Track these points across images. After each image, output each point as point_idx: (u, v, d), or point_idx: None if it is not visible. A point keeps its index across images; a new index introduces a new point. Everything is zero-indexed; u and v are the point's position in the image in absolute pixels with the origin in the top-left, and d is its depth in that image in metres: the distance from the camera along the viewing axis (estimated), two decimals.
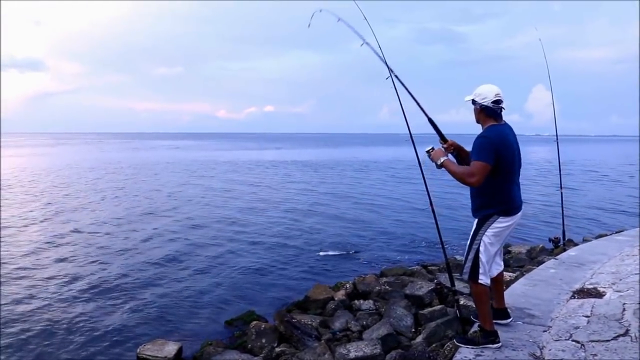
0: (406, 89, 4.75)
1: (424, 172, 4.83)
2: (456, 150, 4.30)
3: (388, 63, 5.07)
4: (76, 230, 14.16)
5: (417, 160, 4.83)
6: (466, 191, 4.26)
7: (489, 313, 4.13)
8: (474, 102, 4.07)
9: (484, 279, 3.99)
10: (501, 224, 3.96)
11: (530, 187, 24.19)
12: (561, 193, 10.09)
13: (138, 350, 6.21)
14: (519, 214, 4.08)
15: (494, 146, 3.82)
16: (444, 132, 4.43)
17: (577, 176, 32.90)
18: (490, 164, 3.78)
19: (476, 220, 4.08)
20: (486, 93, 3.98)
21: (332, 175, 33.50)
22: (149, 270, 10.30)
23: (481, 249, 3.97)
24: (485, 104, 3.97)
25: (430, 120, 4.49)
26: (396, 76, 4.83)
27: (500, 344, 4.06)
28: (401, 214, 17.24)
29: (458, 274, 8.29)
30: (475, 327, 4.41)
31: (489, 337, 4.07)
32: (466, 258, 4.08)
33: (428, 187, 4.82)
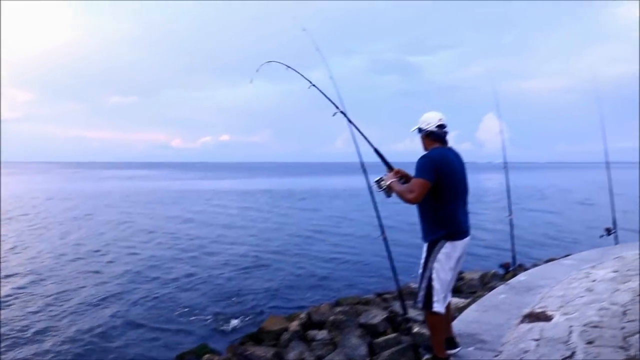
0: (352, 123, 4.83)
1: (376, 201, 4.88)
2: (403, 177, 4.35)
3: (341, 94, 5.18)
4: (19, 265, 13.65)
5: (368, 189, 4.88)
6: (416, 218, 4.31)
7: (442, 341, 4.14)
8: (420, 130, 4.17)
9: (438, 307, 3.97)
10: (448, 249, 3.98)
11: (482, 213, 24.71)
12: (510, 219, 10.31)
13: None
14: (467, 239, 4.10)
15: (434, 165, 3.88)
16: (400, 160, 4.52)
17: (526, 202, 33.77)
18: (430, 180, 3.83)
19: (425, 246, 4.10)
20: (430, 119, 4.11)
21: (287, 204, 33.43)
22: (99, 302, 9.98)
23: (433, 276, 3.97)
24: (430, 129, 4.09)
25: (376, 151, 4.56)
26: (342, 112, 4.92)
27: None
28: (355, 243, 17.28)
29: (412, 302, 8.36)
30: (427, 355, 4.42)
31: None
32: (419, 287, 4.06)
33: (380, 215, 4.86)
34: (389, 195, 4.13)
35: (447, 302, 4.25)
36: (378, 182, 4.18)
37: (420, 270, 4.07)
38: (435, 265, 3.97)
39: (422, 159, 3.96)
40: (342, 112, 4.86)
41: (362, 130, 4.92)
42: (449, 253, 3.98)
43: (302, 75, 5.50)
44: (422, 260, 4.08)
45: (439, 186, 3.91)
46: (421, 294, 4.03)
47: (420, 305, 4.06)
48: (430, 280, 3.98)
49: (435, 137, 4.10)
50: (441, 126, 4.09)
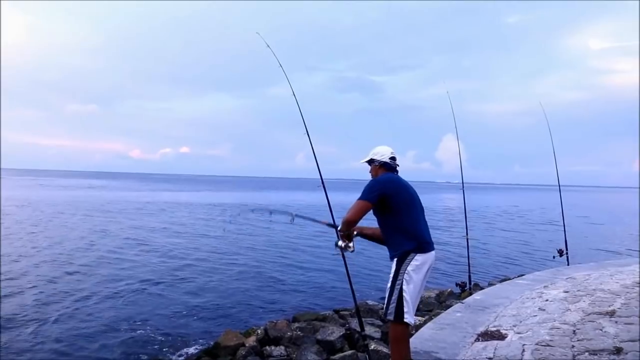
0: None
1: (334, 217, 4.91)
2: (361, 232, 4.51)
3: (303, 110, 5.25)
4: None
5: (328, 206, 4.92)
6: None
7: (402, 357, 4.16)
8: (372, 161, 4.47)
9: (408, 318, 4.00)
10: (417, 261, 4.05)
11: (440, 233, 25.04)
12: (467, 239, 10.49)
13: None
14: (433, 252, 4.21)
15: (380, 186, 4.15)
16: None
17: (482, 222, 34.46)
18: (370, 202, 4.08)
19: (395, 261, 4.13)
20: (384, 151, 4.45)
21: (245, 220, 33.17)
22: (48, 317, 9.67)
23: (404, 287, 4.00)
24: (384, 160, 4.42)
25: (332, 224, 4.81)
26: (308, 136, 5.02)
27: None
28: (313, 260, 17.23)
29: (369, 318, 8.38)
30: None
31: None
32: (389, 299, 4.06)
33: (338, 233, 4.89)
34: (348, 249, 4.37)
35: (414, 317, 4.29)
36: (337, 244, 4.42)
37: (389, 284, 4.08)
38: (405, 277, 4.02)
39: (371, 182, 4.26)
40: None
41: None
42: (419, 265, 4.06)
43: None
44: (392, 274, 4.10)
45: (395, 203, 4.13)
46: (392, 305, 4.02)
47: (391, 317, 4.04)
48: (401, 291, 4.00)
49: (388, 168, 4.41)
50: (393, 158, 4.44)
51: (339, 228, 4.31)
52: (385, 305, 4.13)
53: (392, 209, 4.13)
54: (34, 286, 12.15)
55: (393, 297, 4.04)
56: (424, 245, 4.13)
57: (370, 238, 4.57)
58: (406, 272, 4.03)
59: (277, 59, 5.83)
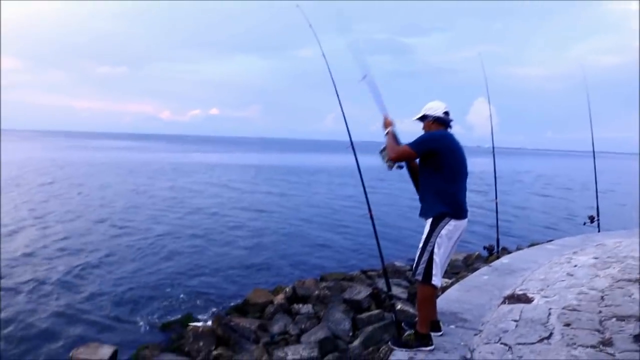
0: (375, 93, 4.78)
1: (364, 180, 4.93)
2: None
3: (331, 72, 5.21)
4: (20, 228, 13.60)
5: (357, 168, 4.93)
6: (405, 200, 4.40)
7: (429, 318, 4.23)
8: (425, 117, 4.33)
9: (436, 280, 4.07)
10: (451, 226, 4.07)
11: (468, 196, 24.88)
12: (496, 203, 10.41)
13: (71, 354, 6.01)
14: (466, 221, 4.21)
15: (433, 142, 4.09)
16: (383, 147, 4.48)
17: (512, 187, 34.09)
18: (416, 152, 4.08)
19: (429, 221, 4.12)
20: (437, 106, 4.31)
21: (276, 181, 33.43)
22: (84, 272, 10.01)
23: (435, 250, 4.04)
24: (437, 114, 4.27)
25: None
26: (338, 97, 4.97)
27: (433, 346, 4.17)
28: (342, 221, 17.37)
29: (396, 279, 8.47)
30: (409, 331, 4.51)
31: (422, 340, 4.17)
32: (419, 260, 4.10)
33: (367, 194, 4.91)
34: (390, 167, 4.25)
35: (441, 280, 4.34)
36: (382, 151, 4.31)
37: (421, 244, 4.10)
38: (438, 240, 4.05)
39: (426, 134, 4.23)
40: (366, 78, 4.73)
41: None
42: (452, 231, 4.08)
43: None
44: (424, 235, 4.11)
45: (444, 163, 4.08)
46: (421, 266, 4.06)
47: (419, 277, 4.09)
48: (431, 254, 4.04)
49: (441, 122, 4.28)
50: (447, 113, 4.30)
51: (388, 145, 4.22)
52: (414, 265, 4.17)
53: (440, 167, 4.08)
54: (91, 242, 12.62)
55: (423, 258, 4.07)
56: (460, 212, 4.14)
57: (412, 173, 4.47)
58: (439, 235, 4.06)
59: (307, 19, 5.77)
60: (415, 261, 4.16)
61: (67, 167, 36.60)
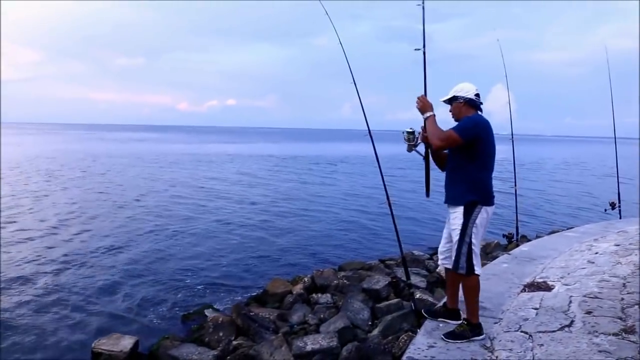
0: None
1: (382, 168, 4.92)
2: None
3: (348, 60, 5.18)
4: (41, 220, 13.82)
5: (375, 156, 4.92)
6: (424, 189, 4.37)
7: (478, 307, 4.18)
8: (455, 98, 4.19)
9: (478, 270, 4.06)
10: (484, 214, 4.03)
11: None
12: (515, 190, 10.36)
13: (93, 345, 6.08)
14: (494, 207, 4.16)
15: (477, 129, 3.97)
16: (409, 128, 4.40)
17: (532, 174, 33.77)
18: (463, 139, 3.92)
19: (460, 209, 4.05)
20: (468, 88, 4.19)
21: (293, 170, 33.48)
22: (104, 264, 10.12)
23: (473, 240, 4.00)
24: (469, 96, 4.15)
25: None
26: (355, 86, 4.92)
27: (484, 335, 4.15)
28: (360, 210, 17.34)
29: (415, 268, 8.45)
30: (452, 322, 4.41)
31: (475, 329, 4.14)
32: (459, 252, 4.04)
33: (385, 183, 4.91)
34: (410, 150, 4.24)
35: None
36: (411, 133, 4.26)
37: (458, 236, 4.04)
38: (474, 230, 4.01)
39: (470, 119, 4.06)
40: (423, 52, 4.61)
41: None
42: (485, 218, 4.05)
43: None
44: (459, 225, 4.04)
45: (479, 151, 3.99)
46: (463, 259, 4.01)
47: (463, 271, 4.03)
48: (470, 244, 4.00)
49: (473, 104, 4.15)
50: (478, 95, 4.17)
51: (430, 130, 4.06)
52: (454, 258, 4.11)
53: (477, 154, 3.99)
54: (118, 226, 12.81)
55: (463, 251, 4.02)
56: (490, 198, 4.09)
57: (435, 157, 4.40)
58: (475, 225, 4.01)
59: (324, 6, 5.75)
60: (455, 255, 4.10)
61: (99, 159, 37.18)
